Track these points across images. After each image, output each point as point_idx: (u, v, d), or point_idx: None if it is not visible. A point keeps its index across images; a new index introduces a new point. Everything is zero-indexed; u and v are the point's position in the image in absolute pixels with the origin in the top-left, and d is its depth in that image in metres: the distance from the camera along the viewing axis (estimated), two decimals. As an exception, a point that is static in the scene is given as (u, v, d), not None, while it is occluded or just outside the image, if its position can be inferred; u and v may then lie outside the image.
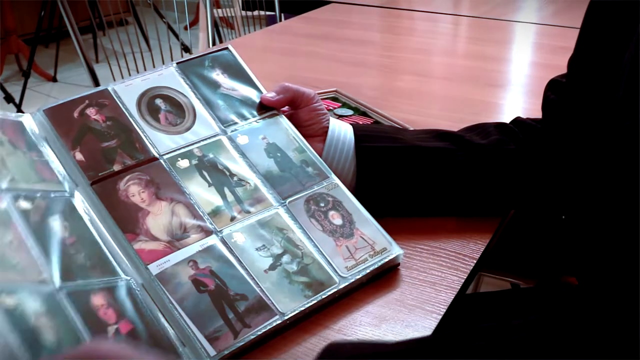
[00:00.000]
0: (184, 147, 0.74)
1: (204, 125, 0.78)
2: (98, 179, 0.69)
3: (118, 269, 0.63)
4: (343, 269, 0.70)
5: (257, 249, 0.68)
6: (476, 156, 0.84)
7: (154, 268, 0.64)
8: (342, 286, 0.68)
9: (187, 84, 0.80)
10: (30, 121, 0.72)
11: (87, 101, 0.75)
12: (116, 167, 0.70)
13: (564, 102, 0.82)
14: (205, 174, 0.73)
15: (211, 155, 0.75)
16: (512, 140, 0.86)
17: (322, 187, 0.76)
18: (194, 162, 0.74)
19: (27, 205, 0.63)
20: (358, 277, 0.69)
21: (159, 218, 0.68)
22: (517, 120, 0.90)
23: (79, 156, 0.70)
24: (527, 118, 0.91)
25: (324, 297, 0.67)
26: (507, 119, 0.93)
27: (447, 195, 0.84)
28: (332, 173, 0.79)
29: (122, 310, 0.60)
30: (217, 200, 0.71)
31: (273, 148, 0.78)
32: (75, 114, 0.73)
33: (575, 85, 0.75)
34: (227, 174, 0.74)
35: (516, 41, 1.83)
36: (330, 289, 0.68)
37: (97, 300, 0.59)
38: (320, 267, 0.69)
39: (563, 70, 0.87)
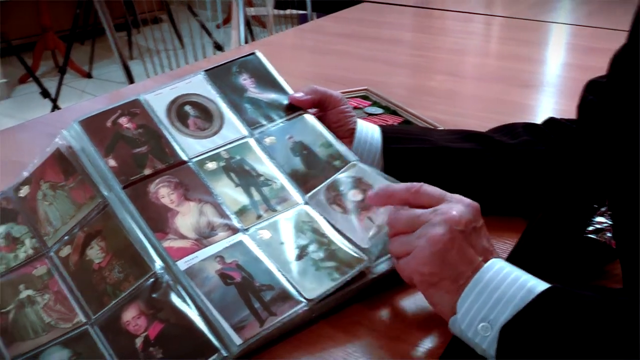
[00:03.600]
0: (212, 150, 0.77)
1: (232, 129, 0.79)
2: (130, 183, 0.72)
3: (151, 265, 0.66)
4: (366, 240, 0.69)
5: (282, 243, 0.69)
6: (504, 157, 0.84)
7: (182, 264, 0.66)
8: (367, 263, 0.68)
9: (215, 90, 0.82)
10: (64, 139, 0.76)
11: (119, 111, 0.78)
12: (147, 171, 0.73)
13: (603, 103, 0.81)
14: (233, 175, 0.75)
15: (238, 157, 0.77)
16: (542, 141, 0.86)
17: (342, 173, 0.76)
18: (222, 164, 0.75)
19: (66, 251, 0.70)
20: (381, 246, 0.68)
21: (187, 218, 0.70)
22: (551, 120, 0.90)
23: (111, 162, 0.73)
24: (561, 118, 0.90)
25: (350, 276, 0.67)
26: (539, 120, 0.92)
27: (475, 196, 0.84)
28: (354, 157, 0.78)
29: (154, 309, 0.63)
30: (244, 200, 0.73)
31: (299, 146, 0.79)
32: (108, 124, 0.77)
33: (618, 83, 0.74)
34: (254, 174, 0.75)
35: (549, 42, 1.82)
36: (357, 268, 0.67)
37: (128, 314, 0.63)
38: (346, 251, 0.69)
39: (596, 71, 0.86)
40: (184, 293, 0.64)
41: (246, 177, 0.75)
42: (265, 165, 0.77)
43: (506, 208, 0.84)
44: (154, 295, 0.64)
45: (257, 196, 0.73)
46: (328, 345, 0.63)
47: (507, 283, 0.57)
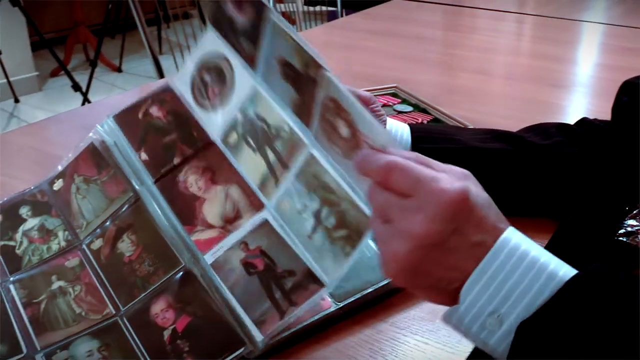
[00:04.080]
0: (230, 119, 0.72)
1: (243, 81, 0.71)
2: (160, 176, 0.72)
3: (181, 259, 0.67)
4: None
5: (299, 212, 0.64)
6: (535, 158, 0.83)
7: (209, 257, 0.66)
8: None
9: (221, 40, 0.74)
10: (98, 134, 0.77)
11: (150, 100, 0.77)
12: (176, 160, 0.73)
13: (638, 105, 0.80)
14: (250, 139, 0.70)
15: (251, 114, 0.70)
16: (575, 142, 0.85)
17: (319, 92, 0.61)
18: (240, 131, 0.71)
19: (98, 244, 0.71)
20: None
21: (214, 204, 0.69)
22: (584, 121, 0.88)
23: (143, 156, 0.74)
24: (595, 119, 0.89)
25: (360, 248, 0.58)
26: (570, 120, 0.91)
27: (505, 197, 0.83)
28: (321, 60, 0.62)
29: (182, 302, 0.64)
30: (263, 166, 0.68)
31: (285, 67, 0.66)
32: (140, 115, 0.76)
33: None
34: (266, 128, 0.69)
35: (582, 41, 1.80)
36: (365, 235, 0.58)
37: (157, 307, 0.64)
38: (355, 207, 0.59)
39: (631, 72, 0.85)
40: (212, 286, 0.64)
41: (260, 137, 0.69)
42: (273, 111, 0.68)
43: (537, 209, 0.84)
44: (182, 289, 0.64)
45: (272, 156, 0.68)
46: (353, 342, 0.64)
47: (523, 268, 0.48)
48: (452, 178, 0.49)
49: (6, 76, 3.52)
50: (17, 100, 3.68)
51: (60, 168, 0.78)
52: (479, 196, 0.50)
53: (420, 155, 0.52)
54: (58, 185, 0.77)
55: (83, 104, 3.38)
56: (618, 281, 0.47)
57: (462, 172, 0.51)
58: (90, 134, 0.77)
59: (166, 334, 0.62)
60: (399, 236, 0.49)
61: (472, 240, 0.49)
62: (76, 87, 3.40)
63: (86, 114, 1.34)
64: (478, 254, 0.49)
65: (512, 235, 0.49)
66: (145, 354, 0.61)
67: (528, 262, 0.48)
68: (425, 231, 0.48)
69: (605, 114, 0.88)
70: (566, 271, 0.47)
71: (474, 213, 0.49)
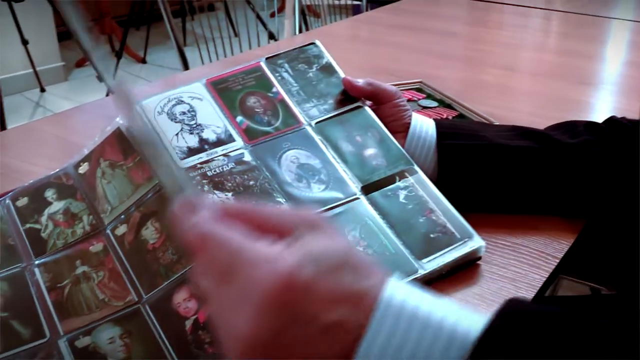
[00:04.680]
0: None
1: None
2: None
3: None
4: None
5: None
6: (562, 156, 0.82)
7: None
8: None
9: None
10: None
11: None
12: None
13: None
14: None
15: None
16: (602, 141, 0.83)
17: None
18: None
19: (122, 230, 0.71)
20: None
21: None
22: (612, 120, 0.87)
23: None
24: (623, 118, 0.87)
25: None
26: (597, 118, 0.90)
27: (530, 195, 0.82)
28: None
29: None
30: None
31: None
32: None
33: None
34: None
35: (611, 38, 1.77)
36: None
37: (179, 296, 0.64)
38: None
39: (662, 69, 0.83)
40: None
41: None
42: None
43: (563, 209, 0.83)
44: None
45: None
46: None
47: (417, 330, 0.36)
48: (278, 252, 0.39)
49: (33, 66, 3.56)
50: (43, 90, 3.72)
51: (86, 151, 0.78)
52: (322, 262, 0.39)
53: (244, 208, 0.43)
54: (84, 168, 0.77)
55: (107, 94, 3.40)
56: (541, 324, 0.36)
57: (308, 224, 0.41)
58: (117, 119, 0.77)
59: (188, 323, 0.62)
60: (227, 336, 0.40)
61: (323, 323, 0.38)
62: (101, 77, 3.42)
63: (111, 104, 1.34)
64: (335, 336, 0.38)
65: (394, 290, 0.38)
66: (167, 343, 0.61)
67: (423, 321, 0.37)
68: (251, 331, 0.38)
69: (633, 112, 0.87)
70: (470, 324, 0.36)
71: (314, 292, 0.38)
